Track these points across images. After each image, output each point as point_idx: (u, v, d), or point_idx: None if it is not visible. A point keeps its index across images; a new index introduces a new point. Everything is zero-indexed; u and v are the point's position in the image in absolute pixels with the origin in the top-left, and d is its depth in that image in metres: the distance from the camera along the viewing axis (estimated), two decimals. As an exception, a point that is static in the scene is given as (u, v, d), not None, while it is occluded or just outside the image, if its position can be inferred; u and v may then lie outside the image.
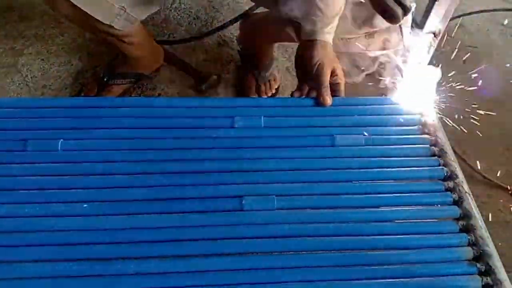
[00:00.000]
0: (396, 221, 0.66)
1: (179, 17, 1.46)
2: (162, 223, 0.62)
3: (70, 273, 0.56)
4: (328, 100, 0.76)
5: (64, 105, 0.73)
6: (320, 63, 0.76)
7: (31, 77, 1.24)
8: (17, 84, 1.22)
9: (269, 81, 1.24)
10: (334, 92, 0.78)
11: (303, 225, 0.63)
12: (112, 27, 0.93)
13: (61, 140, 0.68)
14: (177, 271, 0.58)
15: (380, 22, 0.84)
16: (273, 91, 1.23)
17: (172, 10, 1.48)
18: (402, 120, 0.78)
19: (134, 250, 0.59)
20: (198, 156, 0.70)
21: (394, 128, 0.77)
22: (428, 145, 0.76)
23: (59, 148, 0.68)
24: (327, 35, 0.78)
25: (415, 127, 0.78)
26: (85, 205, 0.62)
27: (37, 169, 0.66)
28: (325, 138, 0.74)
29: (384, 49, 0.86)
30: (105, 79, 1.15)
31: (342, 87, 0.79)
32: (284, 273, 0.59)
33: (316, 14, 0.75)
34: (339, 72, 0.79)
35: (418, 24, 0.87)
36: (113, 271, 0.57)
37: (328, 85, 0.77)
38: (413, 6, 0.84)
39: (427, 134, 0.78)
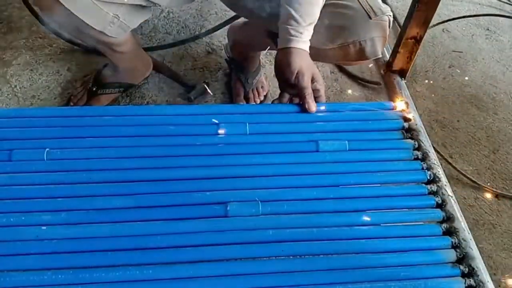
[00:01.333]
0: (379, 224, 0.67)
1: (167, 26, 1.47)
2: (146, 231, 0.62)
3: (56, 281, 0.56)
4: (313, 106, 0.77)
5: (50, 115, 0.73)
6: (299, 70, 0.77)
7: (20, 88, 1.24)
8: (6, 95, 1.22)
9: (256, 88, 1.25)
10: (316, 98, 0.79)
11: (287, 230, 0.64)
12: (105, 34, 0.93)
13: (47, 149, 0.69)
14: (162, 278, 0.58)
15: (354, 34, 0.85)
16: (262, 98, 1.24)
17: (161, 19, 1.49)
18: (385, 125, 0.79)
19: (118, 258, 0.59)
20: (182, 164, 0.71)
21: (377, 132, 0.78)
22: (411, 149, 0.77)
23: (44, 158, 0.68)
24: (302, 43, 0.79)
25: (398, 132, 0.79)
26: (70, 214, 0.62)
27: (22, 179, 0.66)
28: (309, 143, 0.75)
29: (360, 59, 0.88)
30: (94, 89, 1.15)
31: (323, 93, 0.80)
32: (269, 278, 0.60)
33: (291, 23, 0.77)
34: (319, 78, 0.80)
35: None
36: (97, 279, 0.57)
37: (311, 91, 0.78)
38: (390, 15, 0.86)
39: (410, 138, 0.79)
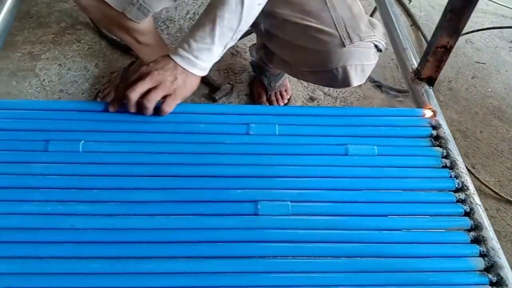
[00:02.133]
0: (408, 229, 0.68)
1: (193, 27, 1.49)
2: (179, 225, 0.63)
3: (91, 270, 0.58)
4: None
5: (85, 109, 0.75)
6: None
7: (48, 82, 1.26)
8: (35, 88, 1.24)
9: (280, 91, 1.26)
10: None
11: (317, 231, 0.65)
12: (126, 17, 0.94)
13: (82, 141, 0.70)
14: (196, 271, 0.59)
15: (326, 61, 0.82)
16: (285, 101, 1.25)
17: (187, 20, 1.51)
18: (414, 132, 0.80)
19: (152, 250, 0.60)
20: (213, 161, 0.72)
21: (406, 139, 0.79)
22: (439, 157, 0.77)
23: (80, 150, 0.70)
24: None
25: (427, 139, 0.80)
26: (104, 205, 0.64)
27: (58, 169, 0.67)
28: (339, 147, 0.75)
29: (332, 86, 0.87)
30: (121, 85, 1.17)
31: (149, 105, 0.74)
32: (298, 278, 0.61)
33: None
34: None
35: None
36: (132, 270, 0.58)
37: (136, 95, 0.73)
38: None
39: (438, 146, 0.79)
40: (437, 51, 0.89)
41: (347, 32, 0.78)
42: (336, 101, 1.30)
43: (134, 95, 0.70)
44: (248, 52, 1.39)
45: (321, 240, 0.64)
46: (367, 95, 1.35)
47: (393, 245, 0.65)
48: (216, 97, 1.26)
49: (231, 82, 1.31)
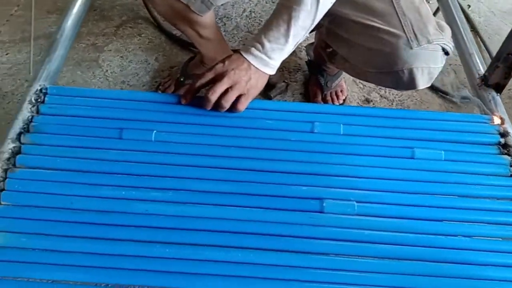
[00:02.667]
0: (473, 236, 0.67)
1: (249, 25, 1.51)
2: (247, 216, 0.65)
3: (164, 254, 0.60)
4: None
5: (159, 100, 0.78)
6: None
7: (111, 73, 1.31)
8: (98, 78, 1.29)
9: (336, 92, 1.26)
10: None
11: (382, 233, 0.65)
12: (190, 9, 0.96)
13: (155, 131, 0.73)
14: (262, 263, 0.61)
15: (392, 63, 0.80)
16: (340, 102, 1.25)
17: (243, 18, 1.53)
18: (481, 138, 0.79)
19: (222, 239, 0.62)
20: (279, 157, 0.73)
21: (473, 145, 0.77)
22: (507, 165, 0.75)
23: (152, 139, 0.72)
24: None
25: (494, 146, 0.78)
26: (176, 193, 0.66)
27: (132, 156, 0.70)
28: (405, 149, 0.75)
29: (397, 89, 0.86)
30: (181, 79, 1.20)
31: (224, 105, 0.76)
32: (361, 277, 0.61)
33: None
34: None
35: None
36: (202, 257, 0.60)
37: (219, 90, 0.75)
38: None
39: (506, 154, 0.77)
40: (508, 58, 0.87)
41: (415, 34, 0.78)
42: (392, 104, 1.29)
43: (214, 96, 0.73)
44: (304, 52, 1.39)
45: (386, 241, 0.64)
46: (424, 99, 1.33)
47: (458, 251, 0.65)
48: (271, 95, 1.27)
49: (286, 81, 1.32)
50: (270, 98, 1.26)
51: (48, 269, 0.59)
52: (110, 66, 1.33)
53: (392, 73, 0.79)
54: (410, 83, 0.79)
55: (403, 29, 0.77)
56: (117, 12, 1.53)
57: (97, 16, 1.51)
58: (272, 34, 0.74)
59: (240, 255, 0.61)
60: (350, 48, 0.85)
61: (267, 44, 0.74)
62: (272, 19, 0.75)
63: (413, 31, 0.76)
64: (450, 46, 0.81)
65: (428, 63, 0.77)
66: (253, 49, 0.75)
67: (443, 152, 0.75)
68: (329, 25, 0.84)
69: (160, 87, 1.24)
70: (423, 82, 0.79)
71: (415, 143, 0.76)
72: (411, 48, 0.76)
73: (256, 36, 0.76)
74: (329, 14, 0.78)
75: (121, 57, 1.36)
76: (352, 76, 0.96)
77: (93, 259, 0.60)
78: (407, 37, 0.76)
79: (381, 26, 0.78)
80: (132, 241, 0.61)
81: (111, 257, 0.60)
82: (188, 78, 1.21)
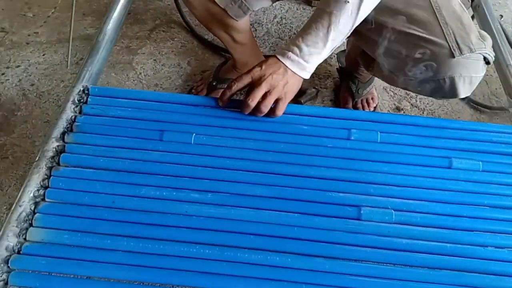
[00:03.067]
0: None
1: (280, 31, 1.52)
2: (284, 221, 0.65)
3: (203, 255, 0.61)
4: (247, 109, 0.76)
5: (198, 103, 0.79)
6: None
7: (144, 75, 1.34)
8: (132, 80, 1.32)
9: (366, 99, 1.26)
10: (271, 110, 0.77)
11: (420, 242, 0.65)
12: (226, 14, 0.98)
13: (194, 134, 0.74)
14: (299, 267, 0.61)
15: (433, 71, 0.80)
16: (371, 109, 1.25)
17: (274, 24, 1.54)
18: (521, 151, 0.78)
19: (260, 242, 0.63)
20: (315, 163, 0.73)
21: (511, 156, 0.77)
22: (548, 179, 0.74)
23: (192, 142, 0.74)
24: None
25: (535, 160, 0.77)
26: (215, 195, 0.67)
27: (172, 158, 0.72)
28: (442, 159, 0.74)
29: (437, 97, 0.87)
30: (214, 83, 1.22)
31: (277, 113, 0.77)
32: (399, 284, 0.61)
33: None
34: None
35: None
36: (241, 259, 0.61)
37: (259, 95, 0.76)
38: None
39: (546, 167, 0.76)
40: (547, 69, 0.86)
41: (457, 43, 0.77)
42: (423, 112, 1.28)
43: (254, 102, 0.74)
44: (334, 58, 1.40)
45: (424, 251, 0.64)
46: (455, 109, 1.32)
47: (496, 262, 0.64)
48: (302, 101, 1.27)
49: (316, 87, 1.32)
50: (300, 104, 1.27)
51: (90, 266, 0.61)
52: (144, 68, 1.36)
53: (433, 81, 0.79)
54: (451, 92, 0.79)
55: (446, 38, 0.77)
56: (150, 16, 1.56)
57: (131, 19, 1.54)
58: (311, 38, 0.74)
59: (278, 259, 0.62)
60: (389, 56, 0.85)
61: (305, 48, 0.75)
62: (311, 23, 0.75)
63: (456, 40, 0.76)
64: (491, 55, 0.81)
65: (470, 72, 0.77)
66: (290, 53, 0.76)
67: (480, 163, 0.74)
68: (367, 33, 0.84)
69: (193, 90, 1.26)
70: (464, 91, 0.79)
71: (453, 153, 0.75)
72: (454, 57, 0.76)
73: (293, 40, 0.76)
74: (368, 21, 0.78)
75: (154, 60, 1.39)
76: (390, 84, 0.96)
77: (133, 258, 0.61)
78: (449, 46, 0.76)
79: (423, 35, 0.78)
80: (172, 241, 0.63)
81: (152, 256, 0.62)
82: (221, 82, 1.22)
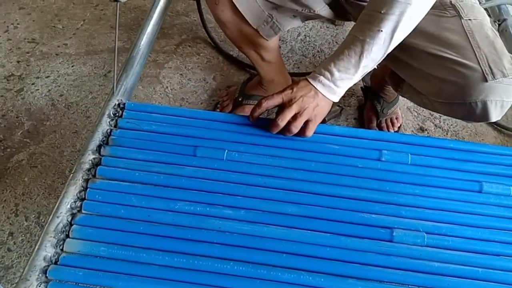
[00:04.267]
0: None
1: (304, 48, 1.54)
2: (316, 241, 0.66)
3: (237, 272, 0.62)
4: (275, 128, 0.78)
5: (230, 121, 0.80)
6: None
7: (171, 89, 1.36)
8: (159, 94, 1.34)
9: (391, 119, 1.27)
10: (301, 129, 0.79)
11: (452, 266, 0.65)
12: (258, 34, 1.00)
13: (227, 150, 0.75)
14: (325, 287, 0.62)
15: (465, 94, 0.81)
16: (395, 129, 1.26)
17: (298, 42, 1.56)
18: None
19: (292, 261, 0.64)
20: (345, 183, 0.74)
21: (544, 183, 0.76)
22: None
23: (224, 158, 0.75)
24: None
25: None
26: (248, 212, 0.68)
27: (205, 173, 0.73)
28: (473, 183, 0.75)
29: (467, 120, 0.88)
30: (239, 99, 1.24)
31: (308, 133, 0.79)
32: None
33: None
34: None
35: None
36: (274, 278, 0.62)
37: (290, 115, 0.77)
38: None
39: None
40: None
41: (490, 68, 0.78)
42: (447, 134, 1.28)
43: (283, 122, 0.76)
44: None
45: (455, 275, 0.64)
46: (479, 131, 1.32)
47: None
48: (326, 119, 1.28)
49: (340, 105, 1.33)
50: (324, 122, 1.27)
51: (126, 279, 0.62)
52: (170, 83, 1.38)
53: (465, 104, 0.80)
54: (483, 116, 0.80)
55: (479, 62, 0.77)
56: (176, 30, 1.59)
57: (158, 34, 1.57)
58: (343, 64, 0.76)
59: (310, 279, 0.62)
60: (420, 78, 0.86)
61: (336, 74, 0.76)
62: (343, 49, 0.77)
63: (488, 65, 0.77)
64: None
65: (502, 96, 0.78)
66: (321, 77, 0.77)
67: (511, 187, 0.74)
68: (399, 55, 0.85)
69: (219, 106, 1.27)
70: (495, 115, 0.79)
71: (483, 177, 0.76)
72: (486, 81, 0.76)
73: (325, 64, 0.78)
74: (400, 44, 0.79)
75: (181, 74, 1.41)
76: (420, 105, 0.96)
77: (168, 272, 0.62)
78: (482, 70, 0.77)
79: (456, 58, 0.79)
80: (207, 256, 0.64)
81: (186, 271, 0.62)
82: (247, 99, 1.24)
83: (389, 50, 0.76)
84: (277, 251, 0.64)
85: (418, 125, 1.31)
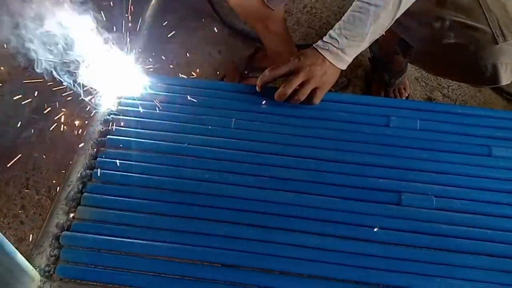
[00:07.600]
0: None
1: (310, 20, 1.52)
2: (326, 205, 0.66)
3: (245, 236, 0.63)
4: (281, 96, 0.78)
5: (236, 90, 0.81)
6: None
7: (177, 64, 1.36)
8: (164, 69, 1.34)
9: (398, 89, 1.25)
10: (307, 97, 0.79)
11: (460, 227, 0.65)
12: (265, 3, 0.99)
13: (234, 119, 0.76)
14: (341, 250, 0.62)
15: (475, 57, 0.80)
16: (403, 99, 1.24)
17: (304, 14, 1.54)
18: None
19: (298, 224, 0.64)
20: (354, 149, 0.74)
21: (553, 146, 0.76)
22: None
23: (232, 126, 0.75)
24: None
25: None
26: (256, 179, 0.69)
27: (213, 142, 0.73)
28: (481, 147, 0.74)
29: (478, 84, 0.85)
30: (246, 72, 1.23)
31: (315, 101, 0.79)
32: (438, 269, 0.62)
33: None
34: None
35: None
36: (280, 240, 0.63)
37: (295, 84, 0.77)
38: None
39: None
40: None
41: (501, 30, 0.77)
42: (455, 103, 1.27)
43: (290, 89, 0.76)
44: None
45: (463, 236, 0.65)
46: (487, 100, 1.30)
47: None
48: (333, 90, 1.27)
49: (347, 77, 1.32)
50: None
51: (138, 245, 0.63)
52: (176, 56, 1.38)
53: (475, 68, 0.79)
54: (493, 79, 0.79)
55: (489, 24, 0.76)
56: (182, 4, 1.57)
57: (162, 8, 1.56)
58: (350, 31, 0.75)
59: (318, 241, 0.63)
60: (430, 44, 0.85)
61: (344, 41, 0.75)
62: (351, 15, 0.76)
63: (499, 27, 0.76)
64: None
65: None
66: (329, 44, 0.76)
67: (521, 150, 0.74)
68: (408, 21, 0.84)
69: (225, 79, 1.27)
70: (506, 78, 0.78)
71: (492, 141, 0.75)
72: (497, 43, 0.75)
73: (332, 31, 0.77)
74: (408, 10, 0.78)
75: (186, 48, 1.40)
76: (428, 72, 0.95)
77: (179, 237, 0.63)
78: (492, 32, 0.76)
79: (466, 21, 0.78)
80: (216, 221, 0.64)
81: (197, 235, 0.63)
82: (253, 71, 1.23)
83: (397, 16, 0.75)
84: (285, 215, 0.65)
85: (426, 95, 1.30)
